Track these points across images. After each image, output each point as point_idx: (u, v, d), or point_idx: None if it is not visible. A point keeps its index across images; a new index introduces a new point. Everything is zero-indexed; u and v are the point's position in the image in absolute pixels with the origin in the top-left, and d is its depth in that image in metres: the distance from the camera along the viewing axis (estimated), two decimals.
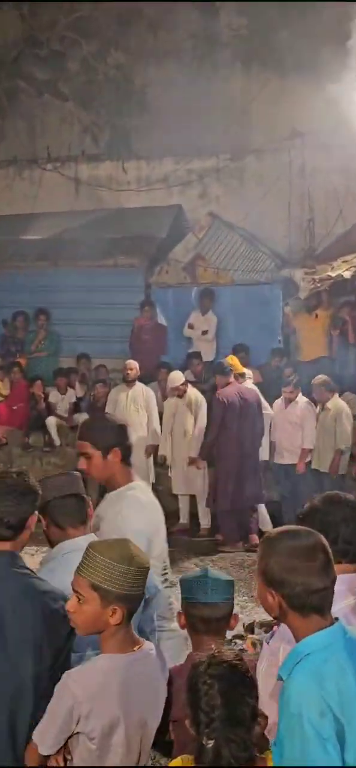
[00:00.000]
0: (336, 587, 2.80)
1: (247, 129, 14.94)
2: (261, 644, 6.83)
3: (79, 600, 3.08)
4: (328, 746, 2.52)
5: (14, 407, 13.36)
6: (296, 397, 10.93)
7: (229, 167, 15.64)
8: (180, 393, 11.35)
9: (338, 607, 2.96)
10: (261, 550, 2.82)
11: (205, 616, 3.44)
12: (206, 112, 15.14)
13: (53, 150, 16.97)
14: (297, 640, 2.74)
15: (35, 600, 3.25)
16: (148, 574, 3.17)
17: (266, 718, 2.86)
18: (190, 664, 2.96)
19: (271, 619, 7.67)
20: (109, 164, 16.58)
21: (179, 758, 2.99)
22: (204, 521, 11.31)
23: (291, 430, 10.88)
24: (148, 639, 3.95)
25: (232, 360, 11.05)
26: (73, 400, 13.50)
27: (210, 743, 2.68)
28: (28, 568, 3.35)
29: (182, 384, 11.34)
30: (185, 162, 15.92)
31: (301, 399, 10.95)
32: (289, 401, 10.97)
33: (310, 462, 10.83)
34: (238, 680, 2.75)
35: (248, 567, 9.56)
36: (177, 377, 11.43)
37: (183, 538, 11.03)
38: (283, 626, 3.11)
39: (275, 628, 3.40)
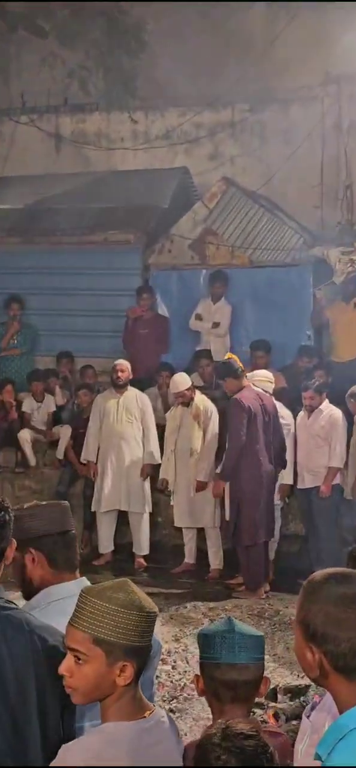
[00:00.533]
0: None
1: (270, 74, 14.94)
2: (285, 715, 6.92)
3: (79, 660, 3.04)
4: None
5: None
6: (319, 404, 10.93)
7: (248, 121, 15.71)
8: (186, 400, 11.34)
9: None
10: (302, 597, 2.79)
11: (231, 681, 3.40)
12: (219, 54, 15.15)
13: (29, 98, 16.98)
14: (341, 710, 2.69)
15: (30, 637, 3.26)
16: (156, 620, 3.13)
17: None
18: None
19: (300, 683, 7.67)
20: (98, 117, 16.65)
21: None
22: (215, 560, 11.31)
23: (314, 445, 10.91)
24: None
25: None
26: (52, 409, 13.51)
27: None
28: (10, 601, 3.35)
29: (187, 389, 11.32)
30: (193, 114, 15.96)
31: (328, 407, 10.95)
32: (311, 410, 10.98)
33: (340, 487, 10.87)
34: (256, 756, 2.72)
35: (269, 618, 9.55)
36: (181, 381, 11.43)
37: (188, 582, 11.06)
38: (328, 696, 3.09)
39: (316, 697, 3.38)
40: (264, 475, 10.49)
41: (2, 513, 3.39)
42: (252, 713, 6.55)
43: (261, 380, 11.07)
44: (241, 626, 3.53)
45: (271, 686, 7.29)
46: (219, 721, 2.88)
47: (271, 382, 11.13)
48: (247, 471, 10.44)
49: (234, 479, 10.59)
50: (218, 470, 11.05)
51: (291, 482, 11.12)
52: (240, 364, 10.83)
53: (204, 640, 3.50)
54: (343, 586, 2.72)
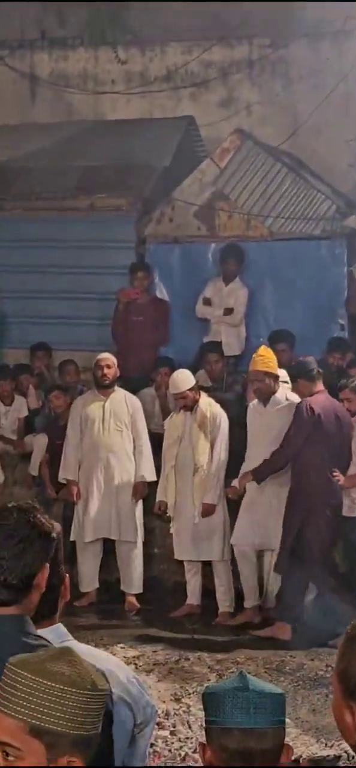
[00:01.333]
0: None
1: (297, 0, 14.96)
2: None
3: (8, 756, 2.97)
4: None
5: None
6: None
7: (269, 59, 15.74)
8: (189, 404, 11.39)
9: None
10: (344, 646, 2.83)
11: (245, 750, 3.32)
12: None
13: None
14: None
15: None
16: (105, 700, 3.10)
17: None
18: None
19: (328, 754, 7.67)
20: (82, 54, 16.72)
21: None
22: (225, 601, 11.38)
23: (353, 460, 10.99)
24: None
25: (267, 354, 11.06)
26: (24, 413, 13.57)
27: None
28: (41, 637, 3.39)
29: (190, 390, 11.37)
30: (200, 51, 15.98)
31: None
32: (353, 416, 11.03)
33: None
34: None
35: (291, 673, 9.56)
36: (182, 379, 11.48)
37: (191, 627, 11.11)
38: None
39: None
40: (333, 493, 10.71)
41: (29, 519, 3.46)
42: None
43: (284, 382, 11.15)
44: (257, 682, 3.44)
45: (295, 757, 7.29)
46: None
47: (288, 383, 11.21)
48: (309, 485, 10.68)
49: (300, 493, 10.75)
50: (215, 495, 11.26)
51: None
52: (274, 363, 10.99)
53: (212, 700, 3.42)
54: None
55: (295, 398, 10.91)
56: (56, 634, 3.66)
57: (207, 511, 11.26)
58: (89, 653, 3.66)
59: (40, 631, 3.51)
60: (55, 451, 12.39)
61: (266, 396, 11.05)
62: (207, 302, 13.69)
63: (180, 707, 8.77)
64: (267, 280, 13.78)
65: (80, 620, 11.05)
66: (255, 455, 11.00)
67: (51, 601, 3.68)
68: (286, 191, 13.98)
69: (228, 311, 13.56)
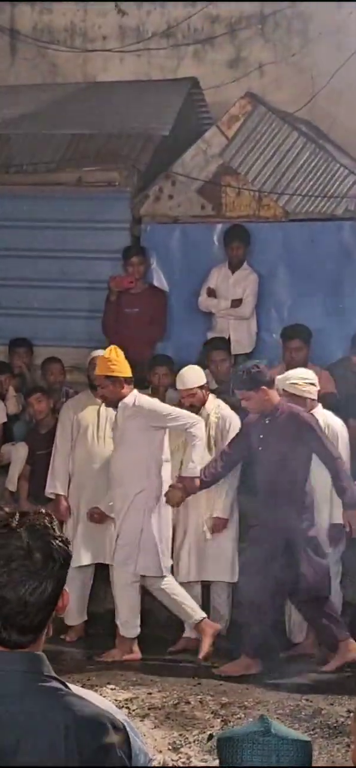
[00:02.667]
0: None
1: None
2: None
3: None
4: None
5: None
6: None
7: (284, 13, 15.77)
8: (196, 404, 11.49)
9: None
10: None
11: None
12: None
13: None
14: None
15: (69, 734, 3.25)
16: None
17: None
18: None
19: None
20: (70, 5, 16.71)
21: None
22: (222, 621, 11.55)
23: None
24: None
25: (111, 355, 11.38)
26: (3, 420, 13.61)
27: None
28: (57, 678, 3.37)
29: (200, 387, 11.48)
30: (205, 3, 16.02)
31: None
32: None
33: None
34: None
35: (306, 720, 9.58)
36: (192, 376, 11.65)
37: (191, 664, 11.19)
38: None
39: None
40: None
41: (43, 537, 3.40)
42: None
43: (298, 384, 11.20)
44: (280, 727, 3.57)
45: None
46: None
47: (314, 385, 11.27)
48: None
49: None
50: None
51: (338, 521, 11.25)
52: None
53: (228, 746, 3.52)
54: None
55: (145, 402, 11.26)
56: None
57: (219, 525, 11.40)
58: (80, 694, 3.64)
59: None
60: (35, 462, 12.49)
61: (112, 402, 11.24)
62: (212, 293, 13.73)
63: (180, 757, 8.77)
64: (281, 267, 13.84)
65: (65, 655, 11.16)
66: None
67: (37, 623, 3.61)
68: (303, 165, 13.98)
69: (236, 302, 13.61)
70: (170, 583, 11.19)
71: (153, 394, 12.77)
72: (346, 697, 10.13)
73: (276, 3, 15.69)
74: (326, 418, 11.26)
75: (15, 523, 3.30)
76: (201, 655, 11.00)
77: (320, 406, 11.32)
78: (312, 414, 11.02)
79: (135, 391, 11.35)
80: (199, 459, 11.11)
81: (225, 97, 15.16)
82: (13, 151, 14.96)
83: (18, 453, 12.94)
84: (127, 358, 12.48)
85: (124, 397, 11.16)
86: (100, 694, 9.05)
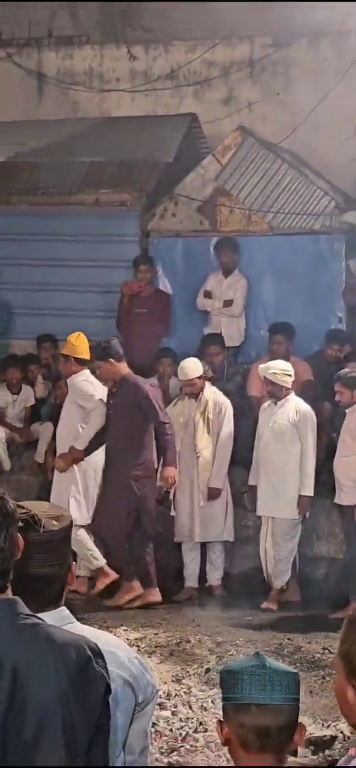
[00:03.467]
0: None
1: (297, 2, 14.91)
2: None
3: None
4: None
5: None
6: (347, 400, 10.97)
7: (270, 58, 15.68)
8: (195, 392, 11.47)
9: None
10: (346, 628, 2.89)
11: (263, 726, 3.38)
12: None
13: (5, 30, 16.97)
14: None
15: (57, 657, 3.25)
16: None
17: None
18: None
19: (325, 734, 7.66)
20: (89, 52, 16.68)
21: None
22: (217, 578, 11.55)
23: (345, 452, 10.96)
24: (136, 762, 4.03)
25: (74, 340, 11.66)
26: (31, 402, 13.63)
27: None
28: (36, 616, 3.38)
29: (199, 377, 11.45)
30: (203, 50, 15.95)
31: None
32: (344, 408, 11.03)
33: None
34: None
35: (289, 656, 9.56)
36: (192, 367, 11.58)
37: (191, 611, 11.19)
38: None
39: (352, 751, 3.35)
40: None
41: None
42: None
43: (277, 373, 11.20)
44: (272, 661, 3.52)
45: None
46: None
47: (290, 375, 11.25)
48: None
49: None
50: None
51: (310, 494, 11.17)
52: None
53: (229, 679, 3.48)
54: None
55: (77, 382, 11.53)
56: (59, 616, 3.67)
57: (214, 494, 11.36)
58: (92, 634, 3.70)
59: (43, 615, 3.51)
60: None
61: (65, 376, 11.81)
62: (208, 295, 13.66)
63: (182, 688, 8.77)
64: (267, 274, 13.75)
65: (85, 603, 11.12)
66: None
67: (57, 590, 3.72)
68: (286, 187, 13.92)
69: (228, 303, 13.54)
70: (81, 534, 11.25)
71: (159, 381, 12.85)
72: (321, 635, 10.11)
73: (263, 50, 15.67)
74: (298, 404, 11.23)
75: None
76: (95, 591, 11.28)
77: (293, 393, 11.28)
78: (151, 386, 11.44)
79: (85, 372, 11.57)
80: (87, 436, 11.27)
81: (219, 130, 15.11)
82: (41, 176, 14.89)
83: (45, 431, 12.96)
84: (137, 351, 12.53)
85: (73, 374, 11.43)
86: (115, 636, 9.12)
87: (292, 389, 11.28)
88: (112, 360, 11.25)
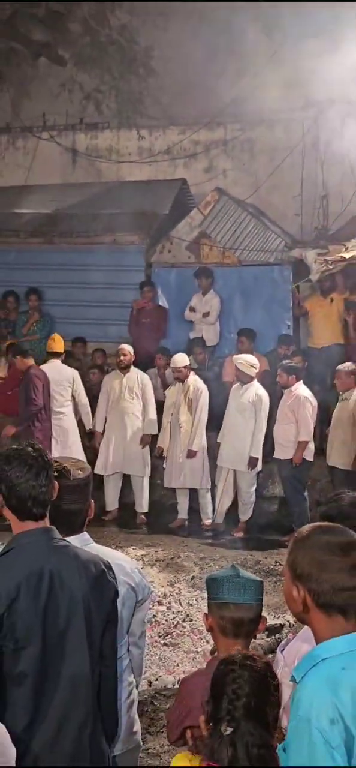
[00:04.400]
0: None
1: (258, 97, 14.81)
2: (263, 650, 6.96)
3: None
4: (336, 755, 2.55)
5: (9, 392, 13.10)
6: (288, 383, 10.79)
7: (238, 139, 15.68)
8: (182, 377, 11.42)
9: None
10: (292, 544, 2.91)
11: (238, 618, 3.48)
12: (214, 79, 15.05)
13: (49, 118, 16.92)
14: (318, 642, 2.78)
15: (81, 568, 3.38)
16: None
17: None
18: (214, 666, 3.05)
19: (276, 623, 7.62)
20: (108, 134, 16.67)
21: (183, 755, 3.18)
22: (206, 514, 11.43)
23: (284, 421, 10.81)
24: (136, 644, 4.10)
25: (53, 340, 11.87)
26: None
27: (229, 730, 2.79)
28: (65, 540, 3.48)
29: (185, 367, 11.43)
30: (191, 132, 15.93)
31: (297, 388, 10.82)
32: (283, 388, 10.92)
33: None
34: (268, 681, 2.91)
35: (250, 567, 9.57)
36: (179, 359, 11.53)
37: (182, 535, 11.16)
38: (298, 638, 3.26)
39: (290, 635, 3.53)
40: None
41: (42, 456, 3.48)
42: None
43: (243, 363, 11.14)
44: (244, 572, 3.63)
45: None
46: (237, 649, 3.06)
47: (254, 367, 11.18)
48: None
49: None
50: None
51: (257, 455, 11.02)
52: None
53: (213, 584, 3.57)
54: (327, 535, 2.82)
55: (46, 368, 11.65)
56: (82, 539, 3.72)
57: (191, 455, 11.27)
58: (105, 552, 3.81)
59: (69, 538, 3.59)
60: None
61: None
62: (192, 309, 13.56)
63: (174, 590, 8.84)
64: (236, 294, 13.65)
65: (106, 530, 11.13)
66: None
67: (81, 520, 3.78)
68: (250, 232, 13.83)
69: (206, 314, 13.43)
70: None
71: (158, 370, 12.81)
72: (275, 552, 10.15)
73: (234, 132, 15.60)
74: (257, 389, 11.11)
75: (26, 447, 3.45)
76: None
77: (255, 380, 11.16)
78: (38, 372, 11.33)
79: (56, 362, 11.73)
80: None
81: (202, 190, 15.02)
82: (75, 223, 14.81)
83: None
84: (142, 349, 12.49)
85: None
86: (126, 552, 9.11)
87: (255, 378, 11.18)
88: (18, 356, 11.43)
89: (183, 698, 3.58)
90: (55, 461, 3.69)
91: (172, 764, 3.27)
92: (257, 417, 10.98)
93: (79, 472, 3.75)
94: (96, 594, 3.38)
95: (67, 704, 3.28)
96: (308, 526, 2.92)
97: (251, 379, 11.11)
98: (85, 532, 3.79)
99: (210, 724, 2.89)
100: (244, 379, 11.11)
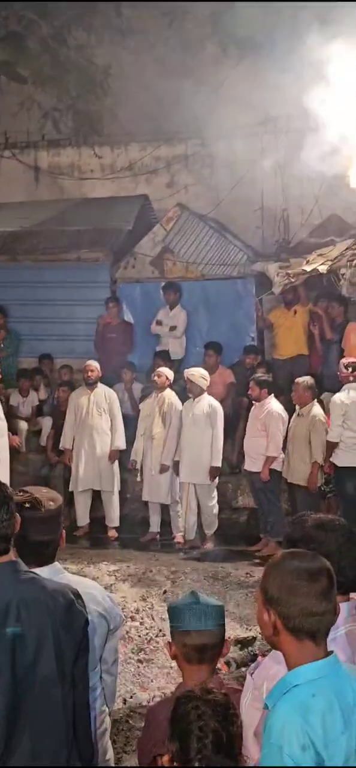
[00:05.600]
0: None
1: (218, 113, 14.88)
2: (236, 662, 7.01)
3: None
4: None
5: None
6: (259, 396, 10.74)
7: (199, 154, 15.69)
8: (161, 386, 11.30)
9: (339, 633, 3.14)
10: (265, 569, 2.95)
11: (200, 645, 3.47)
12: (174, 95, 15.06)
13: (11, 135, 16.87)
14: (289, 667, 2.82)
15: (48, 599, 3.34)
16: None
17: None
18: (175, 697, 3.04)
19: (248, 635, 7.66)
20: (70, 151, 16.57)
21: None
22: (178, 529, 11.40)
23: (254, 434, 10.76)
24: (109, 671, 4.09)
25: None
26: (36, 403, 13.50)
27: None
28: (32, 572, 3.43)
29: (167, 378, 11.33)
30: (152, 148, 15.93)
31: (269, 401, 10.76)
32: (254, 401, 10.85)
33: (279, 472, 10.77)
34: (231, 712, 2.88)
35: (222, 579, 9.58)
36: (165, 371, 11.49)
37: (153, 549, 11.16)
38: (267, 660, 3.24)
39: (260, 658, 3.45)
40: None
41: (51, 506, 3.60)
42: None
43: (195, 375, 11.11)
44: (205, 597, 3.61)
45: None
46: (197, 684, 3.03)
47: (205, 379, 11.11)
48: None
49: None
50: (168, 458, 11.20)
51: (218, 464, 10.97)
52: None
53: (174, 612, 3.57)
54: (297, 560, 2.87)
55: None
56: (53, 570, 3.70)
57: (164, 469, 11.22)
58: (76, 581, 3.79)
59: (40, 569, 3.58)
60: (57, 428, 12.35)
61: None
62: (159, 323, 13.58)
63: (147, 605, 8.79)
64: (200, 307, 13.70)
65: (77, 546, 11.07)
66: None
67: (52, 550, 3.75)
68: (212, 246, 13.89)
69: (173, 328, 13.47)
70: None
71: (124, 385, 12.80)
72: (245, 563, 10.18)
73: (195, 147, 15.70)
74: (210, 400, 11.04)
75: None
76: None
77: (206, 393, 11.05)
78: None
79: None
80: None
81: (164, 206, 15.04)
82: (39, 241, 14.76)
83: (46, 423, 12.94)
84: (109, 364, 12.45)
85: None
86: (98, 568, 9.01)
87: (206, 390, 11.08)
88: None
89: (150, 727, 3.56)
90: (26, 492, 3.68)
91: None
92: (214, 427, 10.88)
93: (51, 503, 3.71)
94: (65, 624, 3.35)
95: (40, 735, 3.25)
96: (281, 552, 2.98)
97: (202, 391, 11.00)
98: (56, 563, 3.76)
99: (176, 763, 2.87)
100: (196, 390, 10.98)
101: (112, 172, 16.17)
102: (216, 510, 11.16)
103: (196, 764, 2.78)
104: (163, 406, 11.32)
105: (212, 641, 3.49)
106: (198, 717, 2.83)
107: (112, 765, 4.14)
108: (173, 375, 11.59)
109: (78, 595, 3.44)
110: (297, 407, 10.68)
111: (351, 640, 3.29)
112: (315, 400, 10.64)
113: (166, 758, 2.92)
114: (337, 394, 10.28)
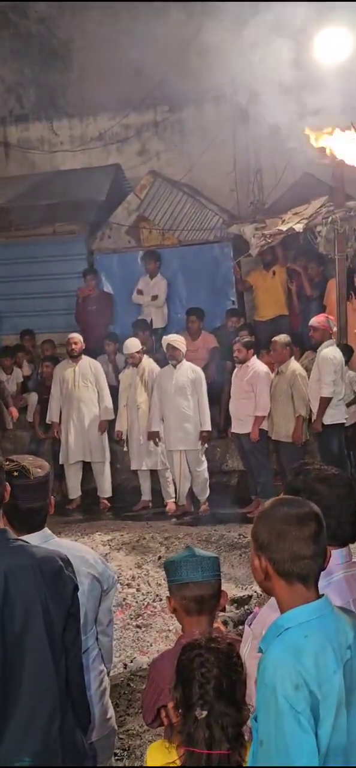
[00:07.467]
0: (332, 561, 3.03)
1: (184, 78, 14.89)
2: (232, 622, 7.26)
3: None
4: (302, 719, 2.68)
5: None
6: (246, 357, 10.75)
7: (168, 120, 15.65)
8: (136, 362, 11.38)
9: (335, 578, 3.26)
10: (256, 516, 3.03)
11: (198, 596, 3.59)
12: (140, 62, 15.03)
13: None
14: (281, 611, 2.90)
15: (36, 567, 3.34)
16: None
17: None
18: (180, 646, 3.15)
19: (243, 594, 7.84)
20: (39, 125, 16.46)
21: (160, 743, 3.19)
22: (169, 495, 11.46)
23: (241, 396, 10.78)
24: (105, 632, 4.17)
25: None
26: (21, 380, 13.50)
27: (204, 714, 2.89)
28: (21, 539, 3.45)
29: (138, 352, 11.36)
30: (121, 117, 15.86)
31: (254, 363, 10.80)
32: (240, 363, 10.85)
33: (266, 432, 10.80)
34: (234, 660, 3.01)
35: (215, 542, 9.69)
36: (132, 344, 11.44)
37: (146, 517, 11.25)
38: (264, 609, 3.34)
39: (256, 609, 3.57)
40: None
41: (40, 473, 3.60)
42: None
43: (178, 341, 11.18)
44: (200, 550, 3.74)
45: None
46: (200, 634, 3.12)
47: (184, 344, 11.19)
48: None
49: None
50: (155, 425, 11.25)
51: (209, 428, 11.05)
52: None
53: (171, 567, 3.67)
54: (286, 507, 2.94)
55: None
56: (43, 536, 3.74)
57: (152, 436, 11.27)
58: (67, 546, 3.86)
59: (31, 536, 3.62)
60: (43, 403, 12.38)
61: None
62: (140, 292, 13.57)
63: (142, 572, 8.93)
64: (179, 275, 13.75)
65: (70, 518, 11.23)
66: None
67: (42, 517, 3.77)
68: (187, 212, 13.92)
69: (155, 297, 13.48)
70: None
71: (108, 356, 12.89)
72: (237, 525, 10.29)
73: (163, 114, 15.72)
74: (190, 365, 11.07)
75: None
76: None
77: (184, 360, 11.06)
78: None
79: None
80: None
81: (137, 174, 15.04)
82: (13, 217, 14.75)
83: (32, 399, 12.86)
84: (91, 337, 12.46)
85: None
86: (92, 538, 9.14)
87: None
88: None
89: (154, 680, 3.64)
90: (13, 461, 3.68)
91: (148, 755, 3.25)
92: (199, 393, 10.91)
93: (39, 470, 3.72)
94: (54, 591, 3.34)
95: (33, 701, 3.27)
96: (271, 500, 3.03)
97: (182, 356, 11.01)
98: (46, 528, 3.78)
99: (180, 710, 2.96)
100: (179, 357, 10.94)
101: (82, 143, 16.10)
102: (206, 475, 11.19)
103: (198, 709, 2.88)
104: (144, 374, 11.35)
105: (210, 592, 3.59)
106: (201, 664, 2.93)
107: (114, 723, 4.19)
108: (141, 345, 11.58)
109: (67, 561, 3.44)
110: (276, 365, 10.74)
111: (351, 585, 3.35)
112: (293, 357, 10.77)
113: (170, 704, 3.03)
114: (326, 350, 10.27)
